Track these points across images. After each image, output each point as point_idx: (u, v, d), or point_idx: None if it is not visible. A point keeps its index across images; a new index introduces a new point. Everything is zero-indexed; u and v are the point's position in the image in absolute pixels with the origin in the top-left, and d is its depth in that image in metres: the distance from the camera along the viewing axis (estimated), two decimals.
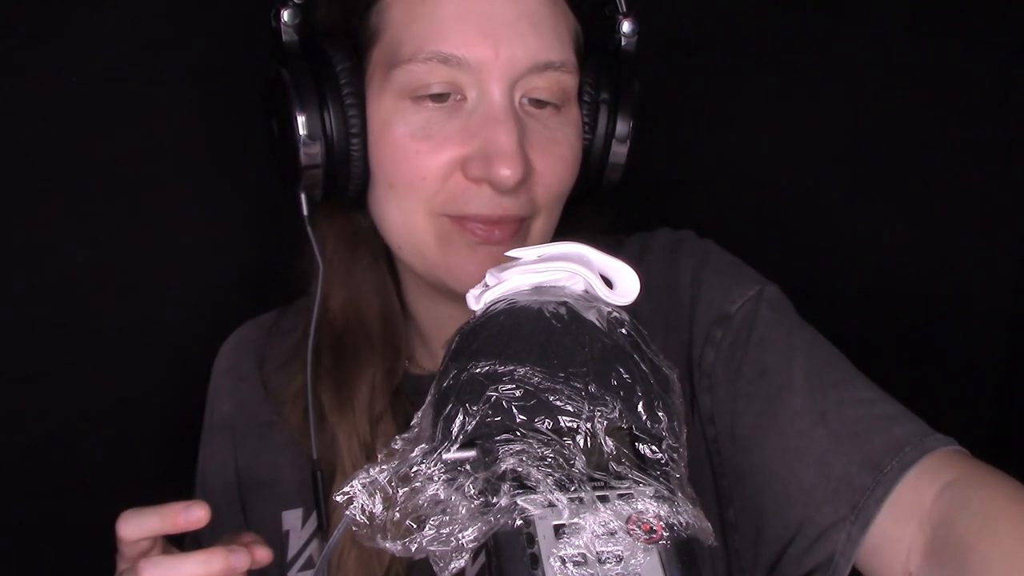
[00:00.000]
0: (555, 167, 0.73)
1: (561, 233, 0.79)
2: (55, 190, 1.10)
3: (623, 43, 0.77)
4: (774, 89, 1.22)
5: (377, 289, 0.81)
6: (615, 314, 0.54)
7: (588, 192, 0.79)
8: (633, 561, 0.44)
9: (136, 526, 0.64)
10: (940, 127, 1.24)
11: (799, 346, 0.71)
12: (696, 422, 0.73)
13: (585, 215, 0.81)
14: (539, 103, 0.72)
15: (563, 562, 0.43)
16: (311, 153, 0.71)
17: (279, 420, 0.85)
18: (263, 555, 0.67)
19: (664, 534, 0.45)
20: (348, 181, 0.74)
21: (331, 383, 0.80)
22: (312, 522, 0.83)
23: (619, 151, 0.77)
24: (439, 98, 0.70)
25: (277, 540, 0.83)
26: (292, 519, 0.84)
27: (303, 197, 0.75)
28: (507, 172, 0.68)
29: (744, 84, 1.21)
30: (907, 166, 1.24)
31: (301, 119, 0.71)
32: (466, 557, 0.45)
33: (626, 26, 0.77)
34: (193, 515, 0.64)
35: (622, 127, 0.76)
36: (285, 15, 0.72)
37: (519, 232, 0.74)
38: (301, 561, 0.83)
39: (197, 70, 1.11)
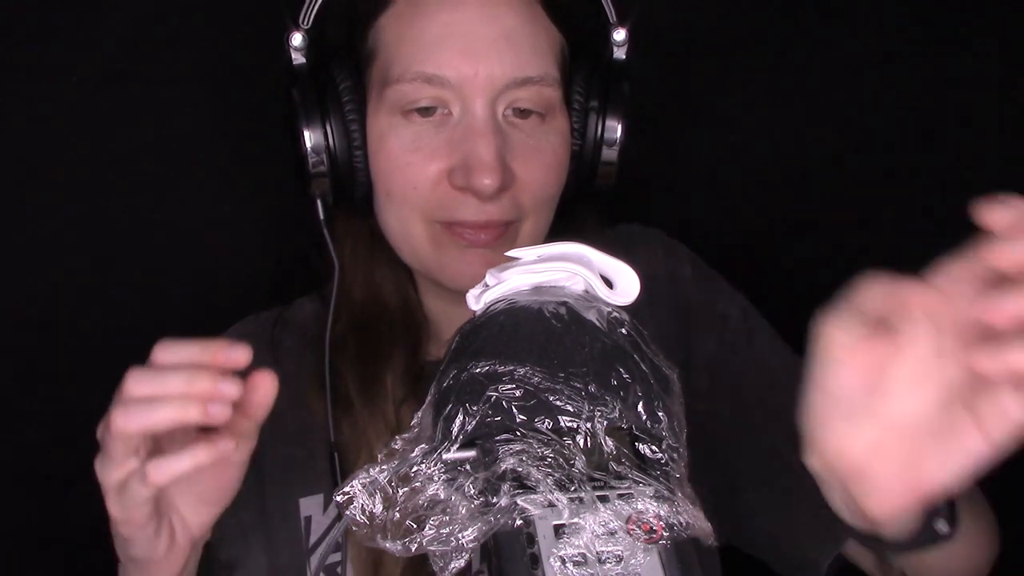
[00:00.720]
0: (537, 174, 0.78)
1: (557, 232, 0.82)
2: (55, 190, 1.10)
3: (614, 52, 0.81)
4: (772, 89, 1.22)
5: (397, 286, 0.86)
6: (615, 314, 0.54)
7: (582, 194, 0.83)
8: (633, 561, 0.44)
9: (174, 353, 0.62)
10: (940, 128, 1.24)
11: (790, 356, 0.84)
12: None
13: (582, 214, 0.86)
14: (523, 113, 0.77)
15: (563, 562, 0.43)
16: (317, 164, 0.78)
17: (292, 408, 0.86)
18: (264, 384, 0.63)
19: (664, 534, 0.45)
20: (354, 189, 0.80)
21: (356, 371, 0.83)
22: (335, 507, 0.85)
23: (609, 154, 0.81)
24: (426, 112, 0.76)
25: (296, 527, 0.84)
26: (312, 505, 0.84)
27: (319, 203, 0.81)
28: (487, 181, 0.73)
29: (742, 84, 1.21)
30: (906, 167, 1.24)
31: (307, 134, 0.77)
32: (466, 557, 0.45)
33: (617, 35, 0.81)
34: (235, 353, 0.60)
35: (611, 132, 0.80)
36: (295, 40, 0.77)
37: (506, 235, 0.79)
38: (324, 546, 0.84)
39: (197, 70, 1.11)
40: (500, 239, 0.78)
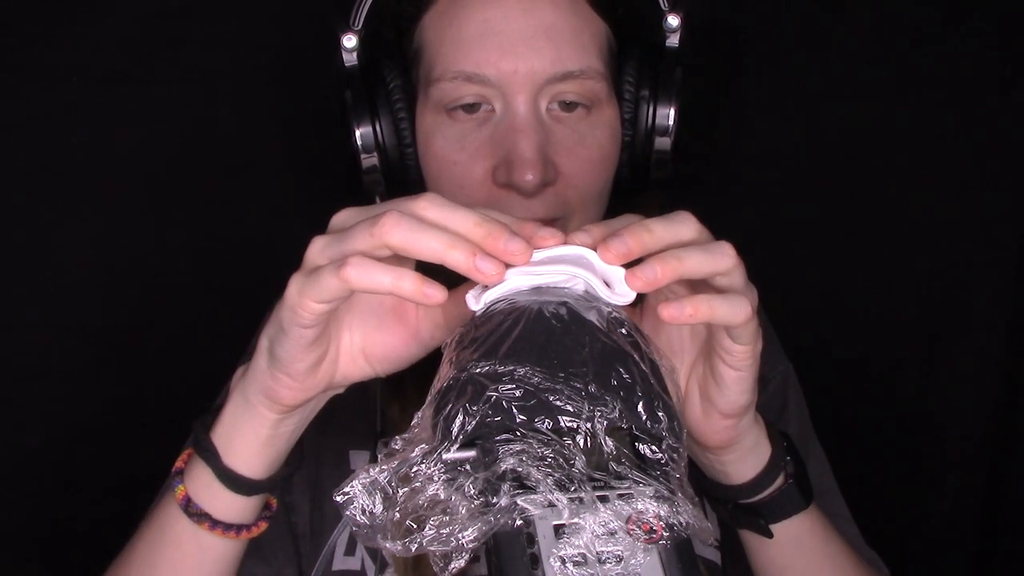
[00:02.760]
0: (582, 169, 0.76)
1: None
2: (55, 190, 1.10)
3: (667, 39, 0.80)
4: (772, 89, 1.22)
5: (450, 278, 0.84)
6: (615, 314, 0.54)
7: (639, 186, 0.82)
8: (633, 561, 0.44)
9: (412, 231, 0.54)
10: (939, 127, 1.24)
11: (813, 439, 0.90)
12: None
13: (643, 208, 0.83)
14: (568, 106, 0.76)
15: (563, 562, 0.43)
16: (370, 163, 0.78)
17: None
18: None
19: (664, 534, 0.45)
20: (407, 188, 0.79)
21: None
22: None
23: (662, 143, 0.80)
24: (471, 108, 0.76)
25: (343, 477, 0.83)
26: (360, 460, 0.84)
27: (377, 200, 0.80)
28: (528, 177, 0.72)
29: (742, 84, 1.21)
30: (905, 166, 1.24)
31: (359, 132, 0.77)
32: (466, 557, 0.45)
33: (669, 21, 0.80)
34: (515, 246, 0.54)
35: (662, 120, 0.79)
36: (348, 43, 0.78)
37: None
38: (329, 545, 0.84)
39: (197, 70, 1.11)
40: None
